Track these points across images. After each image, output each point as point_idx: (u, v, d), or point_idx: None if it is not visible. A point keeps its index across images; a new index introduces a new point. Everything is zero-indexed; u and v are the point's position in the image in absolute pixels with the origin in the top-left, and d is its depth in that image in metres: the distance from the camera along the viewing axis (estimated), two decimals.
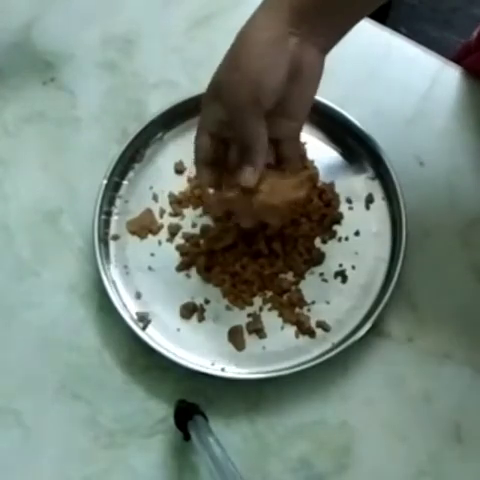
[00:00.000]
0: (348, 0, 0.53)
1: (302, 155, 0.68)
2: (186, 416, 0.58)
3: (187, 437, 0.58)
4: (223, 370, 0.61)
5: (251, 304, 0.64)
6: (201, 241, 0.66)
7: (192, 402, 0.59)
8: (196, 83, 0.72)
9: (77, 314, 0.66)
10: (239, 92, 0.53)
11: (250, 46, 0.52)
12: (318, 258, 0.65)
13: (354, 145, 0.69)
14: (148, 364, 0.63)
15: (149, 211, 0.68)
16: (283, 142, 0.58)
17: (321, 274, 0.65)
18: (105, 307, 0.64)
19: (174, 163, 0.69)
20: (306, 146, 0.69)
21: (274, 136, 0.56)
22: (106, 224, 0.67)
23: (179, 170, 0.69)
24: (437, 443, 0.60)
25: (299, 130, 0.58)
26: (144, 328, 0.63)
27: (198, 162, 0.58)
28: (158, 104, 0.71)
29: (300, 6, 0.51)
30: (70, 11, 0.78)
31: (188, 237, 0.67)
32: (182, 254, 0.66)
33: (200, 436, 0.56)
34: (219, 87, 0.54)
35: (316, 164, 0.68)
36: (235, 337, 0.63)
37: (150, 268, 0.66)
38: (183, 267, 0.66)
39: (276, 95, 0.53)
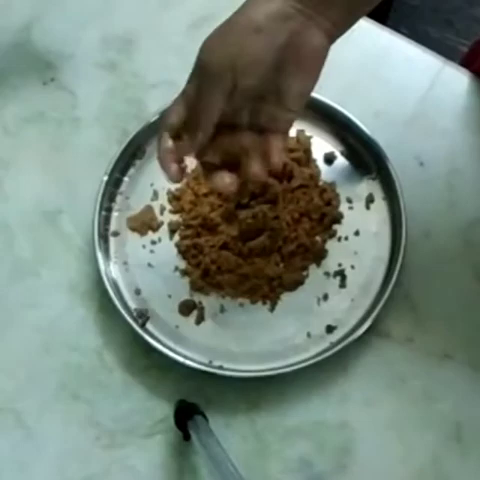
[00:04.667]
0: None
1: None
2: (186, 416, 0.58)
3: (187, 437, 0.58)
4: (221, 368, 0.61)
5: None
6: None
7: (192, 402, 0.59)
8: None
9: (77, 314, 0.66)
10: (215, 57, 0.49)
11: (248, 15, 0.48)
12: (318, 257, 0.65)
13: (355, 145, 0.69)
14: (148, 364, 0.63)
15: (149, 208, 0.68)
16: (271, 134, 0.53)
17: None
18: (105, 306, 0.64)
19: None
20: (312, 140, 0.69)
21: (265, 126, 0.52)
22: (106, 220, 0.67)
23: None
24: (437, 443, 0.60)
25: (291, 123, 0.53)
26: (143, 325, 0.63)
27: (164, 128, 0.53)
28: (158, 104, 0.70)
29: None
30: (70, 11, 0.78)
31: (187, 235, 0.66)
32: (181, 252, 0.66)
33: (200, 436, 0.56)
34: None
35: (317, 163, 0.69)
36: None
37: (150, 265, 0.66)
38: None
39: (254, 78, 0.49)
